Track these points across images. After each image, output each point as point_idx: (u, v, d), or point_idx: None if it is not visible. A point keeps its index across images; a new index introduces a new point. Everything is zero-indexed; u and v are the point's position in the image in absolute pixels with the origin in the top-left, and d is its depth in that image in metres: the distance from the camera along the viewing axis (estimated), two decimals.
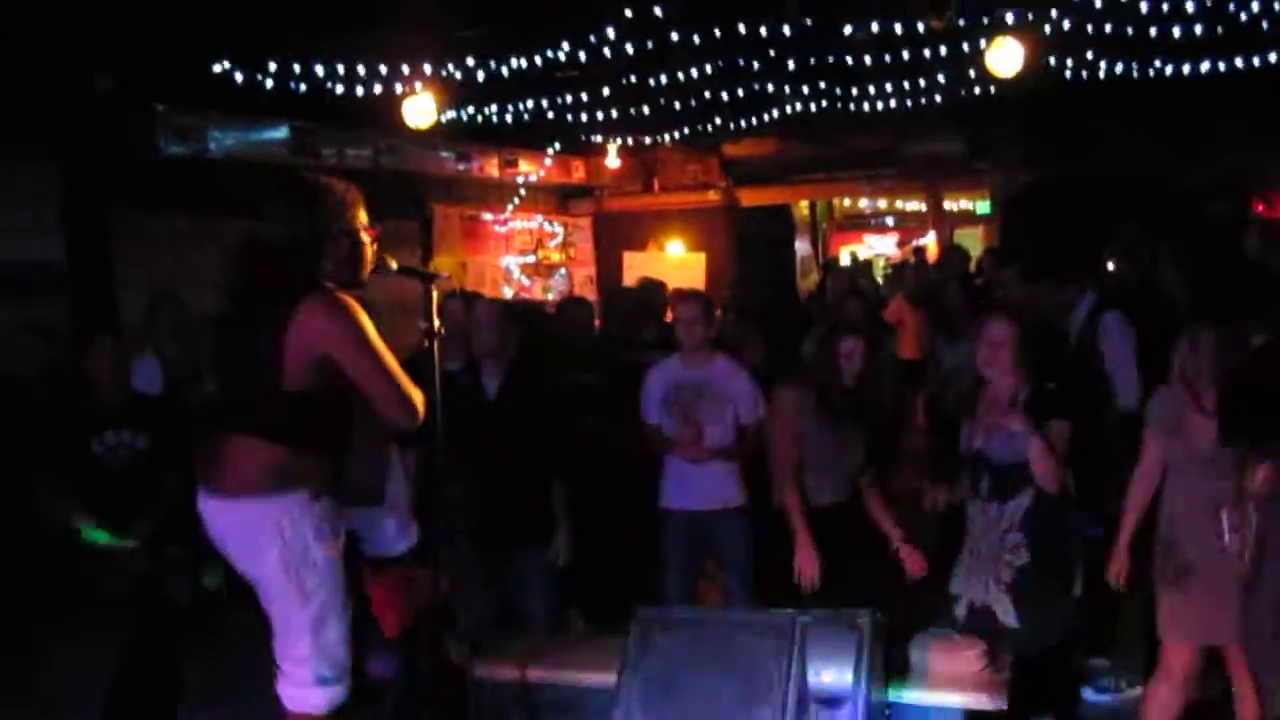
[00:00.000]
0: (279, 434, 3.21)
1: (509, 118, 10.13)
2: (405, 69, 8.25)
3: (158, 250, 8.27)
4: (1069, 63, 9.20)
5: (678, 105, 10.25)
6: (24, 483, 4.94)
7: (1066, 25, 8.04)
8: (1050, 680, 4.49)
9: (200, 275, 7.28)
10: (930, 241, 14.84)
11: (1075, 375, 5.15)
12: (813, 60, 8.97)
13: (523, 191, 12.88)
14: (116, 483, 4.87)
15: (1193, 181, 11.60)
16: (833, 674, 3.68)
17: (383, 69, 8.20)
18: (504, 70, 8.31)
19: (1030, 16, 7.86)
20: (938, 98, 10.29)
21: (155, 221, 8.22)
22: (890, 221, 19.79)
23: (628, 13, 7.45)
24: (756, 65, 9.06)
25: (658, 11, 7.41)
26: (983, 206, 16.22)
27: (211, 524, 3.32)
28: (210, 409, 3.47)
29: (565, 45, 8.03)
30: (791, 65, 9.02)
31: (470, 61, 8.22)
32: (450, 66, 8.27)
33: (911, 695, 4.00)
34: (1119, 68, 9.27)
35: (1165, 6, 7.70)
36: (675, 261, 13.33)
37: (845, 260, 16.80)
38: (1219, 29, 8.10)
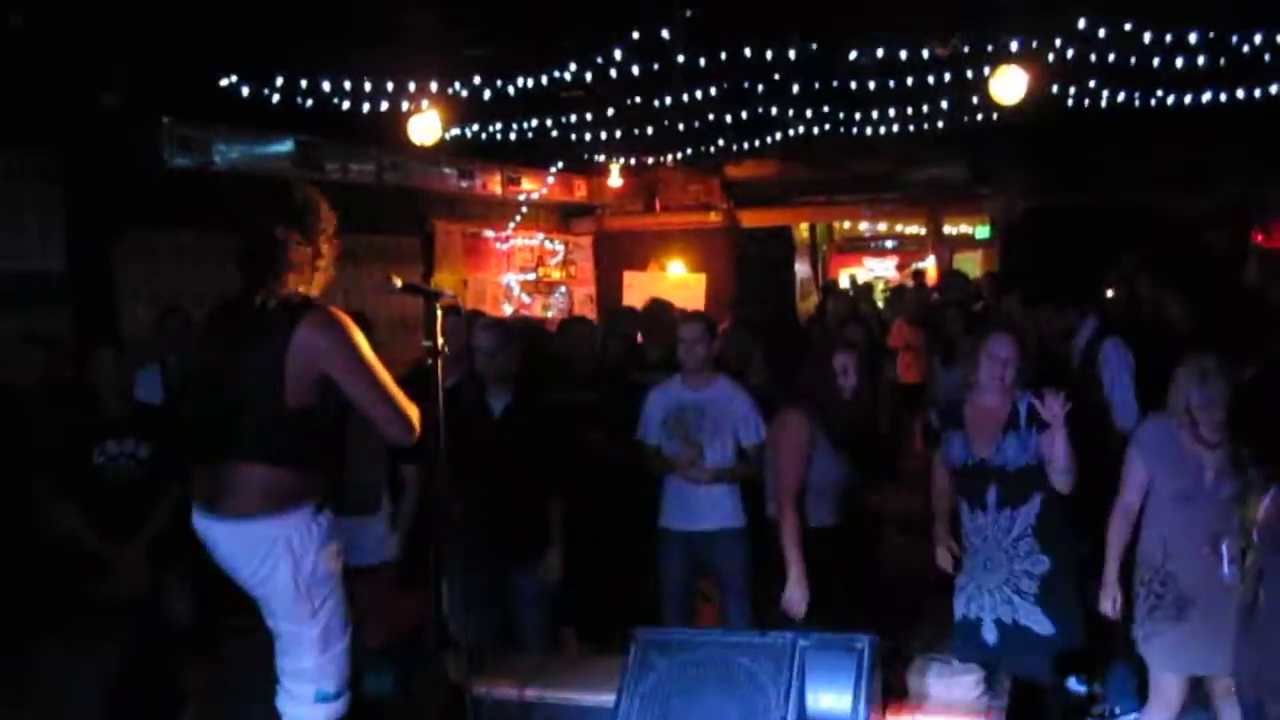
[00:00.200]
0: (284, 456, 3.21)
1: (513, 135, 10.18)
2: (411, 86, 8.29)
3: (160, 262, 8.28)
4: (1071, 91, 9.26)
5: (681, 126, 10.31)
6: (24, 491, 4.94)
7: (1070, 54, 8.10)
8: (1047, 707, 4.49)
9: (202, 288, 7.31)
10: (930, 265, 14.89)
11: (1075, 398, 5.15)
12: (816, 84, 9.03)
13: (524, 209, 12.92)
14: (118, 493, 4.87)
15: (1192, 211, 11.67)
16: (832, 698, 3.67)
17: (389, 85, 8.25)
18: (510, 89, 8.36)
19: (1034, 44, 7.91)
20: (940, 123, 10.37)
21: (158, 234, 8.22)
22: (890, 244, 19.88)
23: (635, 34, 7.50)
24: (760, 88, 9.12)
25: (664, 34, 7.46)
26: (982, 231, 16.29)
27: (217, 546, 3.30)
28: (207, 431, 3.35)
29: (572, 65, 8.08)
30: (795, 89, 9.08)
31: (477, 80, 8.27)
32: (456, 84, 8.32)
33: None
34: (1121, 97, 9.35)
35: (1168, 37, 7.76)
36: (676, 281, 13.37)
37: (845, 282, 16.85)
38: (1221, 60, 8.16)
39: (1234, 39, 7.85)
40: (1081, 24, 7.68)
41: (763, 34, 7.90)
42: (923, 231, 16.29)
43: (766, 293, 14.31)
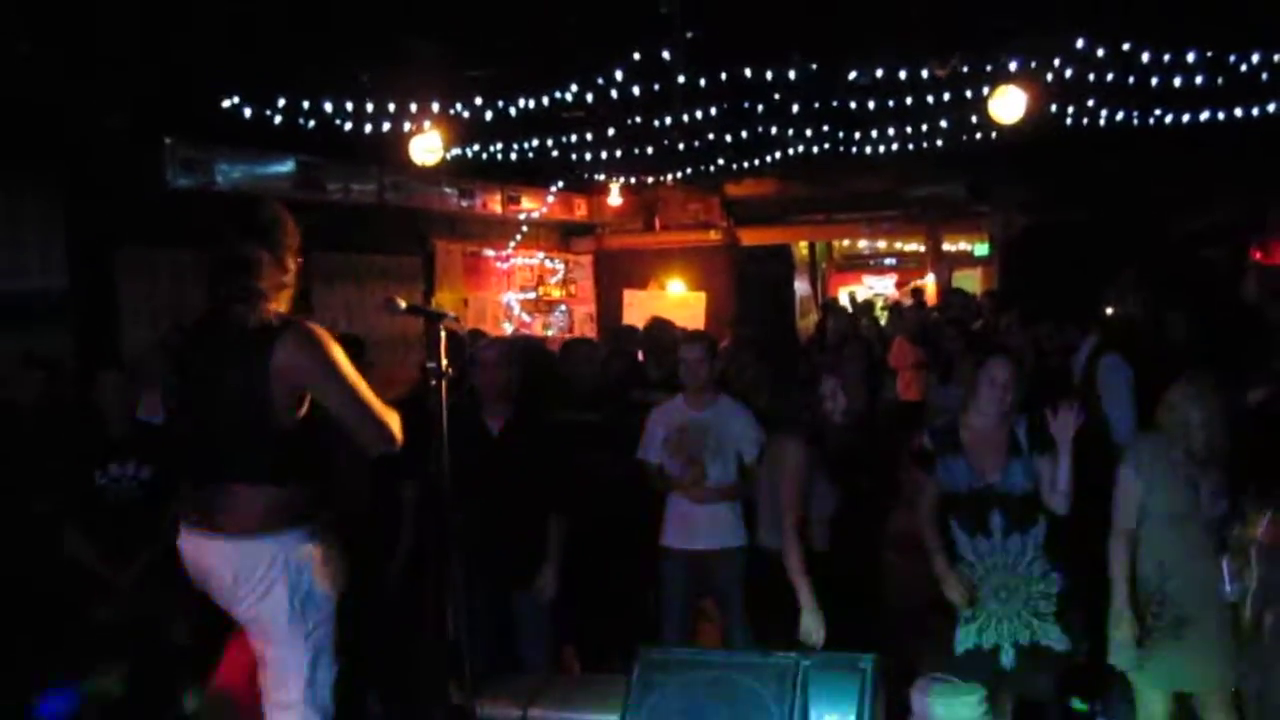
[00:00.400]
0: (277, 475, 3.22)
1: (513, 155, 10.22)
2: (413, 107, 8.33)
3: (161, 282, 8.30)
4: (1070, 110, 9.30)
5: (681, 146, 10.35)
6: (24, 511, 4.93)
7: (1069, 74, 8.14)
8: None
9: (202, 309, 7.30)
10: (929, 282, 14.92)
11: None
12: (816, 104, 9.06)
13: (525, 228, 12.96)
14: (119, 514, 4.87)
15: (1190, 228, 11.70)
16: (835, 718, 3.67)
17: (391, 106, 8.28)
18: (511, 110, 8.40)
19: (1033, 65, 7.95)
20: (939, 142, 10.41)
21: (159, 253, 8.24)
22: (889, 262, 19.91)
23: (635, 55, 7.54)
24: (760, 108, 9.15)
25: (665, 54, 7.50)
26: (981, 249, 16.34)
27: (211, 566, 3.27)
28: (200, 451, 3.35)
29: (573, 86, 8.12)
30: (795, 108, 9.11)
31: (478, 100, 8.30)
32: (458, 105, 8.35)
33: None
34: (1119, 115, 9.38)
35: (1167, 57, 7.80)
36: (675, 300, 13.39)
37: (844, 300, 16.88)
38: (1219, 79, 8.20)
39: (1231, 58, 7.89)
40: (1080, 44, 7.72)
41: (763, 54, 7.95)
42: (922, 249, 16.33)
43: (766, 311, 14.33)
